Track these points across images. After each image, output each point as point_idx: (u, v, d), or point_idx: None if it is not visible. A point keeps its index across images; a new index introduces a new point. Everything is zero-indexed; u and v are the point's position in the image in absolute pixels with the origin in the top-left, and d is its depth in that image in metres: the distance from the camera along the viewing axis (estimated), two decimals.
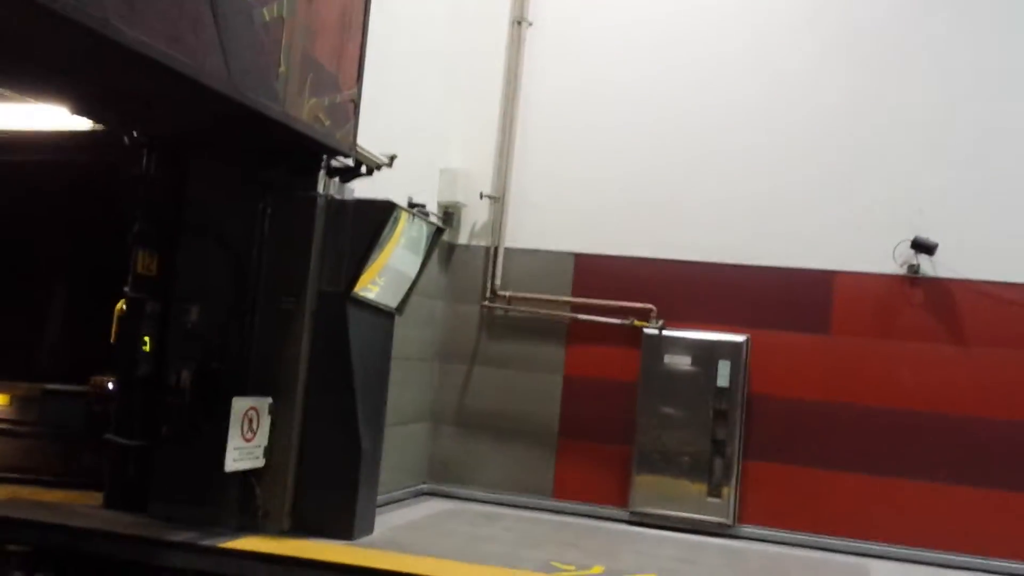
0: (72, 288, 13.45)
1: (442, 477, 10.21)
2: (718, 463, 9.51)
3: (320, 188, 8.00)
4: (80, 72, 6.40)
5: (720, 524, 9.43)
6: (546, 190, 10.30)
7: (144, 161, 8.43)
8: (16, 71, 6.50)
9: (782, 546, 9.21)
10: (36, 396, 12.77)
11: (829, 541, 9.23)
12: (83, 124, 9.20)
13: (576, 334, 10.09)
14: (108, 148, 8.91)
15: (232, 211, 8.07)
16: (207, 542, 7.19)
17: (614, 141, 10.19)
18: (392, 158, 8.36)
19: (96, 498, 8.40)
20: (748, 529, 9.45)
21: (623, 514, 9.70)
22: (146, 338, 8.08)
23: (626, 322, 9.90)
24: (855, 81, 9.66)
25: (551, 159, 10.35)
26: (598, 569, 7.47)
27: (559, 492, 9.95)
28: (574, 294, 10.14)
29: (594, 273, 10.09)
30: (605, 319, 9.97)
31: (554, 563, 7.50)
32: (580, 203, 10.18)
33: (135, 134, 8.32)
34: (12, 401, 13.04)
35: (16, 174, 11.54)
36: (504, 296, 10.29)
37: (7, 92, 7.17)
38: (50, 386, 12.58)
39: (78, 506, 8.18)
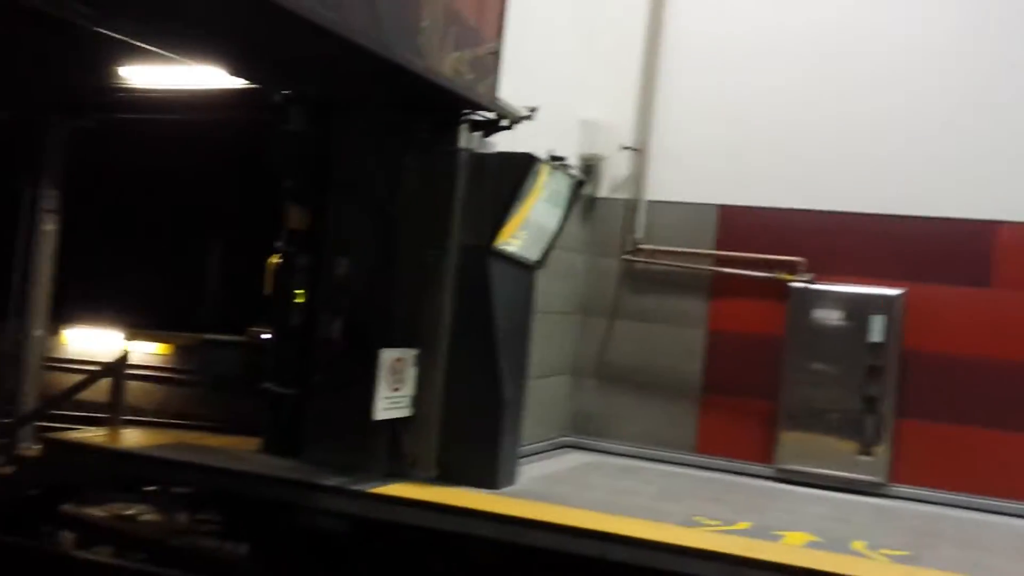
0: (228, 242, 14.10)
1: (583, 430, 10.23)
2: (870, 421, 9.18)
3: (462, 142, 8.05)
4: (235, 32, 6.61)
5: (872, 483, 9.12)
6: (689, 141, 10.05)
7: (294, 118, 8.67)
8: (176, 33, 6.80)
9: (938, 506, 8.83)
10: (196, 346, 13.52)
11: (987, 502, 8.79)
12: (237, 83, 9.53)
13: (720, 288, 9.86)
14: (260, 106, 9.22)
15: (377, 166, 8.23)
16: (358, 487, 7.44)
17: (762, 90, 9.82)
18: (533, 110, 8.31)
19: (253, 443, 8.80)
20: (902, 489, 9.10)
21: (768, 470, 9.50)
22: (298, 291, 8.36)
23: (773, 275, 9.62)
24: (1019, 27, 9.01)
25: (695, 109, 10.07)
26: (744, 525, 7.35)
27: (701, 447, 9.82)
28: (718, 247, 9.90)
29: (739, 225, 9.82)
30: (750, 272, 9.71)
31: (698, 518, 7.43)
32: (725, 154, 9.89)
33: (285, 92, 8.56)
34: (174, 350, 13.84)
35: (175, 132, 12.12)
36: (645, 249, 10.15)
37: (167, 53, 7.47)
38: (209, 336, 13.31)
39: (237, 451, 8.59)
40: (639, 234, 10.15)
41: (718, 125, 9.94)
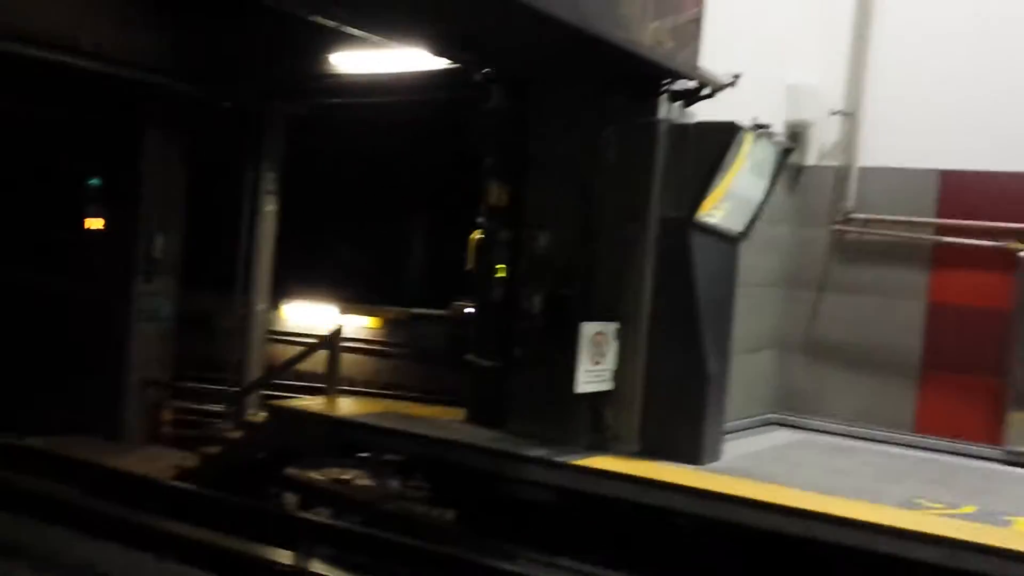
0: (432, 220, 14.54)
1: (790, 407, 9.88)
2: None
3: (662, 113, 7.92)
4: (438, 14, 6.77)
5: None
6: (905, 104, 9.43)
7: (494, 96, 8.80)
8: (384, 19, 7.05)
9: None
10: (404, 320, 14.06)
11: None
12: (439, 64, 9.77)
13: (941, 258, 9.25)
14: (461, 86, 9.41)
15: (575, 140, 8.23)
16: (561, 459, 7.52)
17: (984, 51, 9.08)
18: (736, 77, 8.04)
19: (458, 414, 9.06)
20: None
21: (996, 452, 8.87)
22: (499, 265, 8.50)
23: (1001, 244, 8.92)
24: None
25: (911, 70, 9.44)
26: (970, 508, 6.91)
27: (920, 426, 9.28)
28: (939, 215, 9.28)
29: (963, 191, 9.15)
30: (976, 241, 9.05)
31: (919, 500, 7.03)
32: (946, 117, 9.20)
33: (486, 71, 8.69)
34: (384, 324, 14.45)
35: (381, 115, 12.58)
36: (858, 219, 9.64)
37: (376, 38, 7.75)
38: (416, 311, 13.80)
39: (443, 420, 8.87)
40: (851, 203, 9.66)
41: (937, 87, 9.27)
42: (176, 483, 9.70)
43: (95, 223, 11.88)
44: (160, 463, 10.55)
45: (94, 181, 12.01)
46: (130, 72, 10.91)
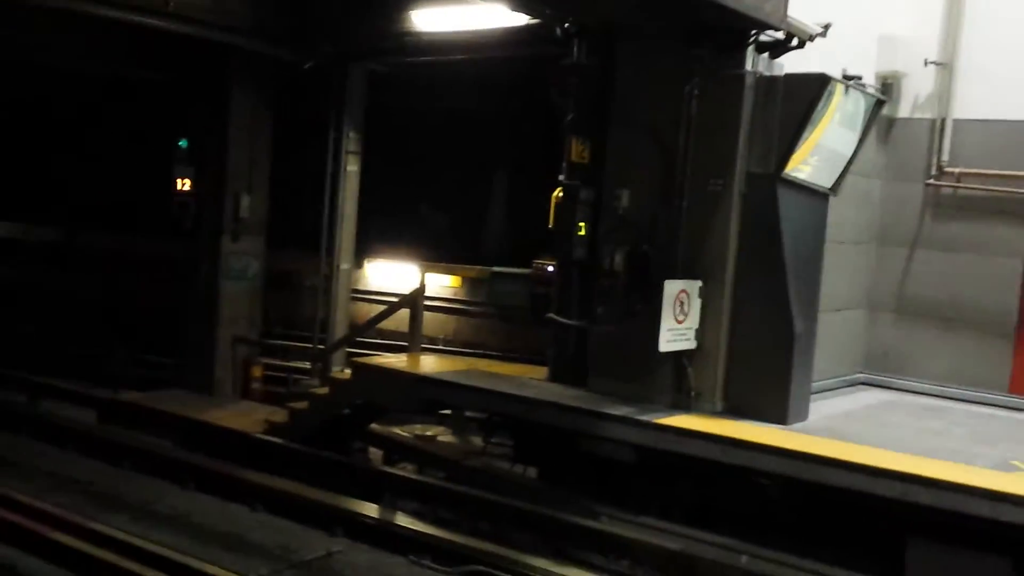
0: (514, 178, 14.50)
1: (879, 367, 9.66)
2: None
3: (748, 65, 7.73)
4: None
5: None
6: (1003, 53, 9.02)
7: (575, 51, 8.69)
8: None
9: None
10: (485, 278, 14.11)
11: None
12: (519, 20, 9.68)
13: None
14: (542, 41, 9.31)
15: (658, 95, 8.09)
16: (644, 417, 7.49)
17: None
18: (826, 27, 7.79)
19: (540, 372, 9.08)
20: None
21: None
22: (581, 223, 8.43)
23: None
24: None
25: (1010, 16, 9.02)
26: None
27: (1016, 387, 8.98)
28: None
29: None
30: None
31: (1015, 463, 6.82)
32: None
33: (567, 25, 8.57)
34: (464, 283, 14.53)
35: (462, 73, 12.54)
36: (953, 173, 9.30)
37: None
38: (497, 269, 13.84)
39: (525, 379, 8.90)
40: (945, 156, 9.32)
41: None
42: (265, 437, 9.96)
43: (184, 184, 12.14)
44: (250, 418, 10.83)
45: (182, 143, 12.26)
46: (215, 34, 11.06)
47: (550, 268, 9.15)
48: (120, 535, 6.77)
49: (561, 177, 8.67)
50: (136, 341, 13.79)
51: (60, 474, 8.61)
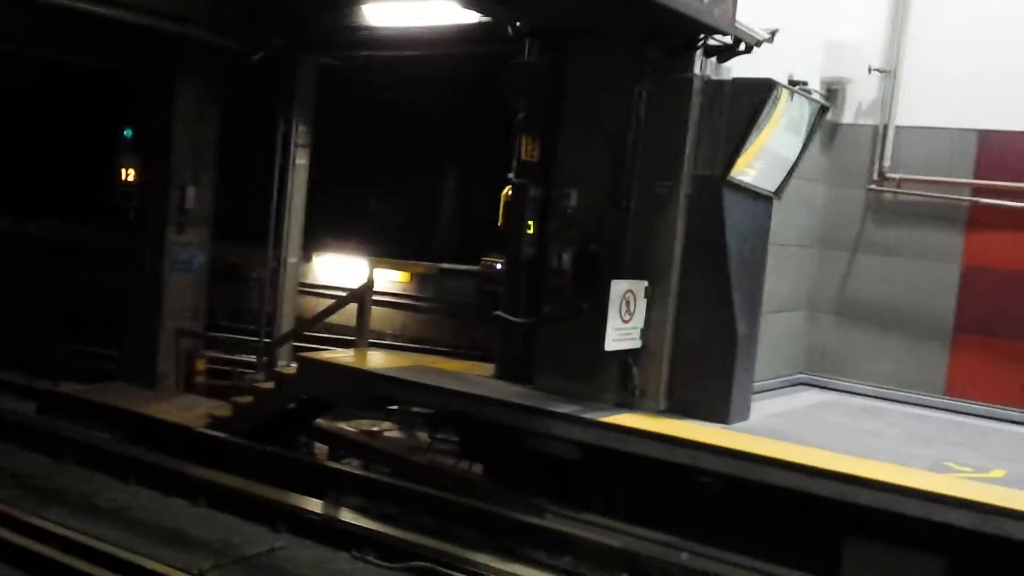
0: (463, 175, 14.51)
1: (819, 367, 9.84)
2: None
3: (696, 69, 7.81)
4: None
5: None
6: (946, 61, 9.22)
7: (526, 51, 8.71)
8: None
9: None
10: (433, 274, 14.11)
11: None
12: (471, 18, 9.67)
13: (979, 220, 9.10)
14: (494, 40, 9.31)
15: (608, 96, 8.15)
16: (589, 415, 7.55)
17: None
18: (773, 33, 7.91)
19: (487, 369, 9.11)
20: None
21: None
22: (530, 222, 8.47)
23: None
24: None
25: (953, 28, 9.22)
26: (999, 473, 6.87)
27: (952, 389, 9.21)
28: (977, 176, 9.12)
29: (1004, 152, 8.97)
30: (1014, 203, 8.90)
31: (948, 463, 7.00)
32: (988, 76, 8.99)
33: (519, 25, 8.59)
34: (413, 278, 14.51)
35: (413, 68, 12.51)
36: (894, 179, 9.50)
37: None
38: (445, 266, 13.84)
39: (472, 375, 8.92)
40: (887, 162, 9.51)
41: (980, 45, 9.06)
42: (209, 431, 9.86)
43: (128, 174, 11.94)
44: (193, 412, 10.71)
45: (127, 132, 12.06)
46: (168, 24, 10.89)
47: (499, 266, 9.18)
48: (60, 530, 6.66)
49: (511, 175, 8.70)
50: (85, 332, 13.55)
51: None
